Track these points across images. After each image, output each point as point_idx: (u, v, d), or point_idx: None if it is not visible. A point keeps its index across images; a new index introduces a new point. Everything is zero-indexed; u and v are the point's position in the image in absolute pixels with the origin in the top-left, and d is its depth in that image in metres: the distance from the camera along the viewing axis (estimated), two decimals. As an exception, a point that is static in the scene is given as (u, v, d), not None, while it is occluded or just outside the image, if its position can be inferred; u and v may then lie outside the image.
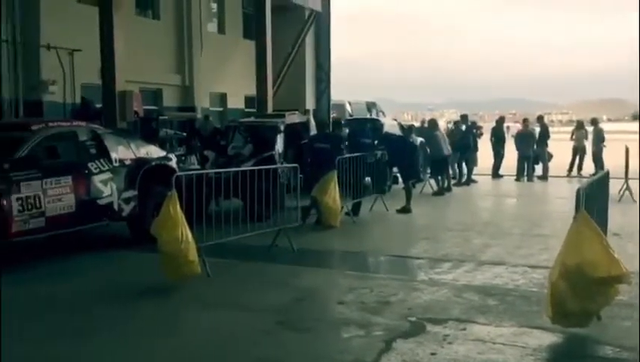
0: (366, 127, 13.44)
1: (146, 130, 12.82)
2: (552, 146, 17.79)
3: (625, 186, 12.85)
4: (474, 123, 18.45)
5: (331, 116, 21.09)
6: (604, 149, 17.61)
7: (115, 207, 8.10)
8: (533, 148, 17.23)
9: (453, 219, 11.24)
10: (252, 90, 18.04)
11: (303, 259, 7.84)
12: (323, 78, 21.96)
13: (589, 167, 17.37)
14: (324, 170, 9.87)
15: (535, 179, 17.31)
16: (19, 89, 12.30)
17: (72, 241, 8.24)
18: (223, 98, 19.09)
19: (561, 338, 4.84)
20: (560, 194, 14.26)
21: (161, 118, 14.33)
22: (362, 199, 11.17)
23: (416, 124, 20.95)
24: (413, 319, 5.28)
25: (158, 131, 13.41)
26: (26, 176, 7.03)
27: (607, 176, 6.34)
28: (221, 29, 19.25)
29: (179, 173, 7.02)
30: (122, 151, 8.41)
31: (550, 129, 18.46)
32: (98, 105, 13.16)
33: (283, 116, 12.26)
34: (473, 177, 16.75)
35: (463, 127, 17.06)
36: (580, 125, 19.03)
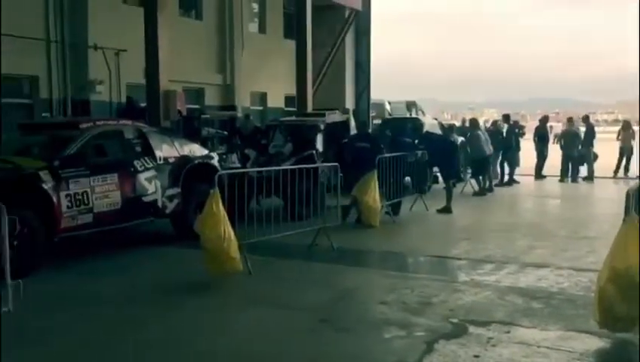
0: (406, 127, 13.34)
1: (189, 128, 13.02)
2: (597, 146, 17.34)
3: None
4: (516, 122, 18.12)
5: (371, 116, 21.08)
6: (653, 150, 17.07)
7: (159, 204, 8.25)
8: (578, 148, 16.83)
9: (495, 219, 11.07)
10: (292, 90, 18.14)
11: (343, 258, 7.86)
12: (362, 77, 21.90)
13: (636, 168, 16.86)
14: (365, 169, 9.85)
15: (580, 180, 16.91)
16: (67, 88, 12.66)
17: (117, 238, 8.44)
18: (263, 97, 19.24)
19: (608, 343, 4.73)
20: (606, 195, 13.90)
21: (202, 116, 14.53)
22: (402, 199, 11.11)
23: (457, 124, 20.72)
24: (456, 320, 5.23)
25: (200, 130, 13.61)
26: (75, 174, 7.24)
27: (657, 177, 6.15)
28: (262, 28, 19.40)
29: (221, 172, 7.10)
30: (166, 150, 8.57)
31: (595, 128, 17.98)
32: (142, 104, 13.44)
33: (323, 115, 12.28)
34: (515, 177, 16.46)
35: (505, 127, 16.78)
36: (626, 125, 18.49)
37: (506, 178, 16.31)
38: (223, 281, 6.44)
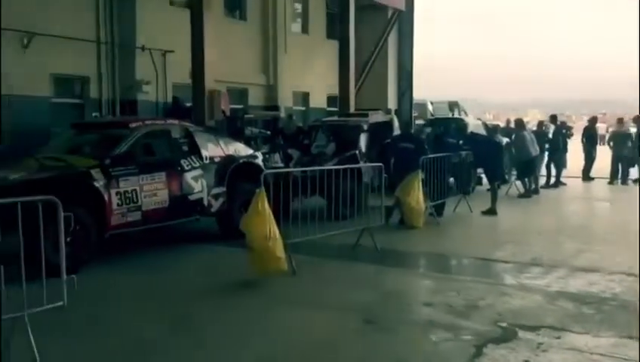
0: (450, 127, 13.18)
1: (232, 128, 13.18)
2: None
3: None
4: (563, 123, 17.70)
5: (414, 116, 20.91)
6: None
7: (205, 202, 8.37)
8: (628, 150, 16.33)
9: (542, 222, 10.84)
10: (334, 90, 18.14)
11: (386, 259, 7.82)
12: (405, 77, 21.73)
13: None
14: (408, 169, 9.79)
15: (630, 182, 16.40)
16: (116, 88, 12.96)
17: (163, 235, 8.60)
18: (305, 97, 19.30)
19: (665, 352, 4.57)
20: (659, 199, 13.41)
21: (246, 116, 14.68)
22: (446, 200, 10.99)
23: (501, 124, 20.38)
24: (504, 324, 5.14)
25: (243, 129, 13.76)
26: (125, 172, 7.41)
27: None
28: (305, 29, 19.46)
29: (267, 171, 7.16)
30: (212, 149, 8.69)
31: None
32: (188, 104, 13.65)
33: (366, 115, 12.24)
34: (562, 179, 16.08)
35: (551, 127, 16.40)
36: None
37: (553, 180, 15.96)
38: (268, 281, 6.48)
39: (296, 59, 17.85)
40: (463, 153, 11.66)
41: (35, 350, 4.35)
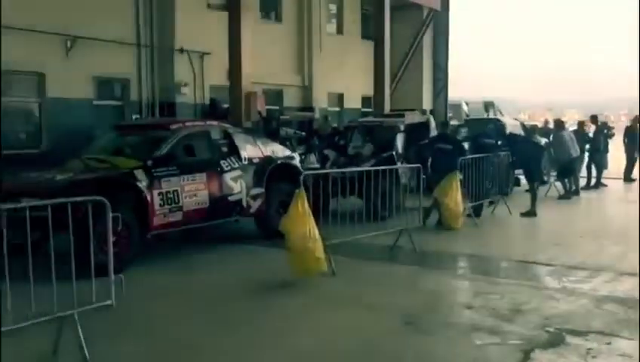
0: (488, 128, 13.00)
1: (268, 129, 13.26)
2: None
3: None
4: (604, 123, 17.29)
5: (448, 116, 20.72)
6: None
7: (244, 203, 8.43)
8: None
9: (584, 224, 10.62)
10: (369, 90, 18.09)
11: (425, 260, 7.77)
12: (440, 77, 21.56)
13: None
14: (446, 170, 9.70)
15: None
16: (155, 90, 13.17)
17: (203, 236, 8.69)
18: (340, 98, 19.30)
19: None
20: None
21: (281, 117, 14.76)
22: (484, 201, 10.85)
23: (539, 125, 20.04)
24: (551, 329, 5.04)
25: (278, 130, 13.83)
26: (166, 173, 7.51)
27: None
28: (339, 29, 19.46)
29: (307, 172, 7.17)
30: (250, 150, 8.75)
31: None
32: (225, 106, 13.79)
33: (403, 116, 12.16)
34: (602, 180, 15.72)
35: (592, 128, 16.05)
36: None
37: (593, 181, 15.61)
38: (307, 281, 6.49)
39: (331, 60, 17.86)
40: (502, 154, 11.49)
41: (85, 349, 4.44)
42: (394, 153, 11.06)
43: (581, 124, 16.55)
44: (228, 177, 8.23)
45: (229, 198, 8.23)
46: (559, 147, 13.84)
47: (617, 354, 4.53)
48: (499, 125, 14.38)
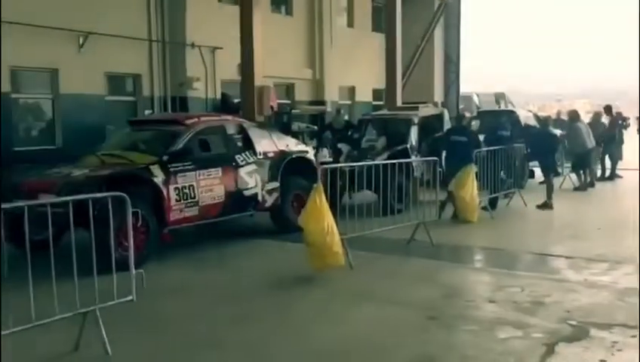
0: (502, 120, 12.90)
1: (279, 123, 13.24)
2: None
3: None
4: (619, 113, 17.09)
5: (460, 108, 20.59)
6: None
7: (260, 198, 8.41)
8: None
9: (601, 216, 10.51)
10: (380, 83, 18.00)
11: (443, 253, 7.73)
12: (452, 69, 21.42)
13: None
14: (461, 163, 9.62)
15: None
16: (167, 86, 13.16)
17: (218, 230, 8.68)
18: (351, 91, 19.22)
19: None
20: None
21: (293, 111, 14.72)
22: (499, 194, 10.78)
23: (552, 116, 19.86)
24: (574, 322, 4.99)
25: (290, 125, 13.80)
26: (182, 168, 7.49)
27: None
28: (350, 22, 19.36)
29: (325, 166, 7.13)
30: (265, 144, 8.72)
31: None
32: (236, 100, 13.76)
33: (416, 109, 12.08)
34: (617, 172, 15.57)
35: (604, 118, 15.87)
36: None
37: (607, 172, 15.46)
38: (326, 276, 6.46)
39: (342, 53, 17.78)
40: (517, 146, 11.40)
41: (108, 344, 4.44)
42: (408, 146, 11.01)
43: (597, 114, 16.37)
44: (243, 172, 8.20)
45: (245, 193, 8.21)
46: (574, 138, 13.71)
47: (644, 347, 4.46)
48: (513, 117, 14.25)
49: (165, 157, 7.42)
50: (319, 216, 6.42)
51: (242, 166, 8.22)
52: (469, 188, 9.54)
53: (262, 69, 12.42)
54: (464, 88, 23.74)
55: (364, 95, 19.43)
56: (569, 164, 14.60)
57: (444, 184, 9.57)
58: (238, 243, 8.32)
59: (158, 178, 7.20)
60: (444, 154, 10.15)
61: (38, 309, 4.18)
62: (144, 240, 6.91)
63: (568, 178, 14.03)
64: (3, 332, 4.01)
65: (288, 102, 16.07)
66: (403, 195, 9.23)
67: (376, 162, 9.22)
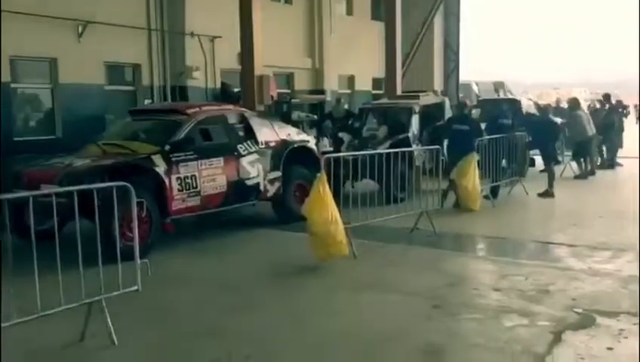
0: (504, 108, 12.86)
1: (279, 113, 13.18)
2: None
3: None
4: (620, 102, 17.08)
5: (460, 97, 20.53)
6: None
7: (262, 187, 8.38)
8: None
9: (602, 204, 10.50)
10: (379, 72, 17.91)
11: (446, 242, 7.74)
12: (452, 58, 21.33)
13: None
14: (463, 152, 9.60)
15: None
16: (167, 75, 13.08)
17: (220, 220, 8.65)
18: (351, 80, 19.13)
19: None
20: None
21: (292, 101, 14.65)
22: (501, 182, 10.76)
23: (552, 104, 19.83)
24: (580, 310, 4.99)
25: (290, 114, 13.74)
26: (184, 158, 7.46)
27: None
28: (349, 10, 19.22)
29: (329, 155, 7.10)
30: (267, 134, 8.67)
31: None
32: (236, 89, 13.69)
33: (417, 97, 12.04)
34: (618, 160, 15.57)
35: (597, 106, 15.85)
36: None
37: (607, 161, 15.45)
38: (329, 265, 6.45)
39: (342, 42, 17.67)
40: (518, 134, 11.38)
41: (114, 334, 4.43)
42: (409, 135, 10.98)
43: (602, 102, 16.26)
44: (245, 161, 8.17)
45: (247, 182, 8.18)
46: (575, 126, 13.69)
47: (650, 334, 4.47)
48: (515, 105, 14.21)
49: (167, 147, 7.38)
50: (323, 205, 6.40)
51: (244, 155, 8.18)
52: (471, 177, 9.52)
53: (261, 58, 12.34)
54: (462, 77, 23.69)
55: (364, 84, 19.34)
56: (569, 152, 14.60)
57: (446, 173, 9.56)
58: (241, 233, 8.31)
59: (160, 168, 7.17)
60: (445, 142, 10.13)
61: (44, 300, 4.16)
62: (147, 231, 6.88)
63: (569, 166, 14.03)
64: (9, 324, 4.00)
65: (288, 91, 15.98)
66: (405, 184, 9.19)
67: (378, 151, 9.20)
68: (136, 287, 4.70)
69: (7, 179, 7.41)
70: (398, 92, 15.71)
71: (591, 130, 13.74)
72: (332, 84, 17.71)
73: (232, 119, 8.43)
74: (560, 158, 14.31)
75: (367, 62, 18.69)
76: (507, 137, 10.80)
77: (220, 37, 13.62)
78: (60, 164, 7.16)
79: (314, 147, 9.53)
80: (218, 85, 14.02)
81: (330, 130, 13.26)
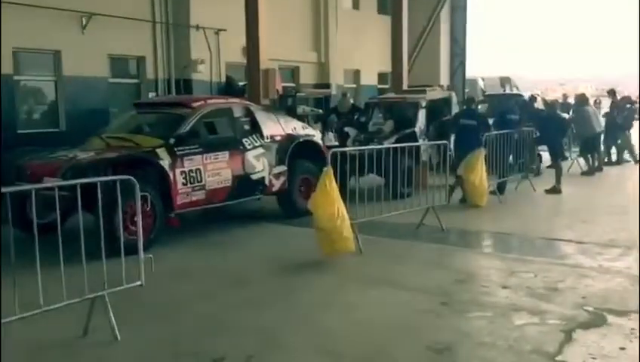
0: (511, 103, 12.74)
1: (284, 107, 13.08)
2: None
3: None
4: (628, 97, 16.90)
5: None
6: None
7: (267, 182, 8.31)
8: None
9: (610, 201, 10.39)
10: (385, 66, 17.80)
11: (453, 238, 7.65)
12: (458, 52, 21.16)
13: None
14: (471, 147, 9.51)
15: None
16: (171, 68, 12.99)
17: (224, 214, 8.59)
18: (356, 74, 19.01)
19: None
20: None
21: (298, 95, 14.54)
22: (508, 178, 10.67)
23: (559, 100, 19.68)
24: (590, 309, 4.91)
25: (295, 108, 13.63)
26: (189, 151, 7.38)
27: None
28: (355, 4, 19.08)
29: (335, 150, 7.01)
30: (272, 128, 8.59)
31: None
32: (241, 83, 13.60)
33: (424, 92, 11.92)
34: (625, 156, 15.42)
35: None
36: None
37: (614, 157, 15.31)
38: (335, 260, 6.38)
39: (348, 36, 17.54)
40: (526, 129, 11.27)
41: (117, 329, 4.37)
42: (416, 130, 10.88)
43: (615, 98, 16.04)
44: (250, 155, 8.09)
45: (252, 177, 8.11)
46: (583, 122, 13.55)
47: (663, 334, 4.38)
48: (521, 101, 14.09)
49: (172, 141, 7.31)
50: (329, 200, 6.31)
51: (249, 149, 8.11)
52: (479, 172, 9.43)
53: (267, 52, 12.24)
54: (468, 72, 23.53)
55: (370, 78, 19.22)
56: (577, 148, 14.48)
57: (453, 168, 9.46)
58: (246, 228, 8.23)
59: (165, 161, 7.09)
60: (452, 137, 10.04)
61: (46, 294, 4.10)
62: (151, 225, 6.81)
63: (576, 162, 13.91)
64: (11, 318, 3.94)
65: (293, 85, 15.88)
66: (412, 179, 9.09)
67: (384, 146, 9.11)
68: (139, 282, 4.63)
69: (11, 172, 7.34)
70: (404, 86, 15.60)
71: (599, 126, 13.60)
72: (338, 78, 17.60)
73: (238, 113, 8.35)
74: (567, 154, 14.22)
75: (373, 57, 18.55)
76: (515, 132, 10.69)
77: (225, 30, 13.52)
78: (64, 157, 7.10)
79: (319, 141, 9.45)
80: (223, 79, 13.93)
81: (335, 125, 13.14)
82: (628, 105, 15.68)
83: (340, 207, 6.36)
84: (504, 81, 26.07)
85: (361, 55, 18.31)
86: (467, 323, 4.76)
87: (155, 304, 5.16)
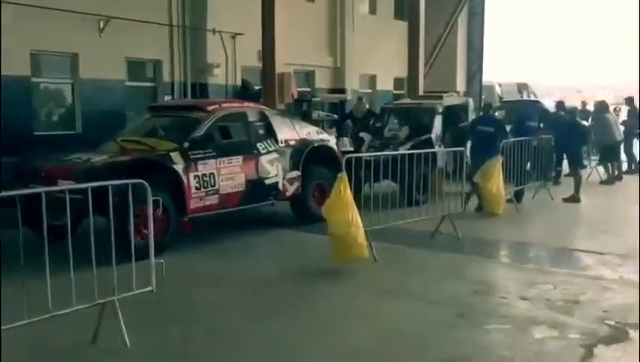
0: (530, 110, 12.56)
1: (299, 111, 13.02)
2: None
3: None
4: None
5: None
6: None
7: (281, 187, 8.23)
8: None
9: (631, 210, 10.13)
10: (401, 72, 17.68)
11: (469, 247, 7.51)
12: (475, 58, 20.99)
13: None
14: (488, 154, 9.35)
15: None
16: (187, 72, 12.99)
17: (238, 220, 8.51)
18: (372, 79, 18.91)
19: None
20: None
21: (313, 99, 14.48)
22: (525, 186, 10.49)
23: (578, 107, 19.39)
24: (612, 323, 4.76)
25: (310, 113, 13.57)
26: (203, 155, 7.32)
27: None
28: (372, 9, 19.00)
29: (350, 155, 6.92)
30: (287, 132, 8.52)
31: None
32: (257, 87, 13.57)
33: (441, 98, 11.79)
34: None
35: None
36: None
37: (634, 166, 15.02)
38: (350, 268, 6.27)
39: (364, 41, 17.44)
40: (544, 137, 11.09)
41: (126, 335, 4.30)
42: (432, 136, 10.75)
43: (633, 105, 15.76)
44: (264, 160, 8.02)
45: (266, 182, 8.03)
46: (603, 130, 13.33)
47: (689, 351, 4.22)
48: (540, 108, 13.89)
49: (186, 144, 7.26)
50: (343, 206, 6.22)
51: (263, 154, 8.04)
52: (496, 180, 9.27)
53: (283, 56, 12.19)
54: (485, 78, 23.34)
55: (385, 83, 19.10)
56: (596, 157, 14.24)
57: (469, 175, 9.32)
58: (259, 234, 8.16)
59: (179, 165, 7.04)
60: (469, 144, 9.89)
61: (55, 299, 4.04)
62: (163, 229, 6.76)
63: (595, 171, 13.68)
64: (20, 323, 3.89)
65: (308, 89, 15.82)
66: (428, 186, 8.96)
67: (400, 152, 9.00)
68: (150, 288, 4.56)
69: (25, 174, 7.33)
70: (420, 92, 15.48)
71: (619, 134, 13.37)
72: (353, 83, 17.50)
73: (252, 117, 8.28)
74: (586, 162, 13.99)
75: (389, 62, 18.44)
76: (533, 140, 10.52)
77: (241, 34, 13.49)
78: (78, 160, 7.07)
79: (334, 147, 9.35)
80: (239, 82, 13.90)
81: (350, 130, 13.05)
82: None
83: (354, 213, 6.26)
84: (521, 87, 25.81)
85: (377, 60, 18.21)
86: (485, 336, 4.63)
87: (166, 310, 5.10)
